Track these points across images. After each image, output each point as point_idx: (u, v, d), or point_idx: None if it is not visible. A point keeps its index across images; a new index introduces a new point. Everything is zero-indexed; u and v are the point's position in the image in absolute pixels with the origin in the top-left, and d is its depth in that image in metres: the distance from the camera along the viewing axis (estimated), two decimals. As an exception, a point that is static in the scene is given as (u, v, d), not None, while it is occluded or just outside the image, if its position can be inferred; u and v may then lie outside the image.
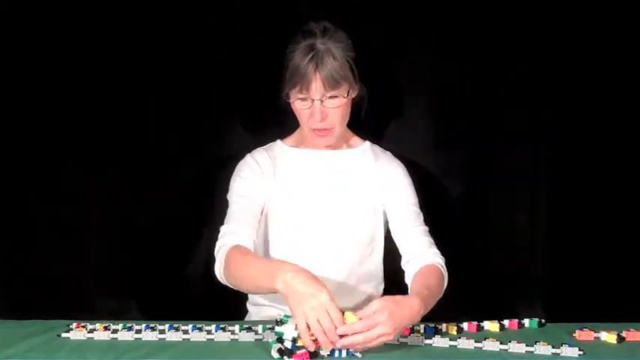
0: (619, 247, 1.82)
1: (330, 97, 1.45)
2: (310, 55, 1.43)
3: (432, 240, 1.53)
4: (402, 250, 1.54)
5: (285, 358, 1.15)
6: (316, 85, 1.43)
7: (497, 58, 1.80)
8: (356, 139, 1.64)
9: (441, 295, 1.44)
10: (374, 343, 1.18)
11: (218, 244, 1.45)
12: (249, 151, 1.62)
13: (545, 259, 1.84)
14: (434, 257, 1.48)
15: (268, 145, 1.64)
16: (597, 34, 1.77)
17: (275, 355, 1.16)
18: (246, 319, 1.61)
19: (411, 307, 1.24)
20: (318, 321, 1.15)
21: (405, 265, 1.51)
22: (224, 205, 1.55)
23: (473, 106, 1.82)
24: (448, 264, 1.50)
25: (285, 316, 1.21)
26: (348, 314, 1.17)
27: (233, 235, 1.44)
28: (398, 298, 1.24)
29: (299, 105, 1.48)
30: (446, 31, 1.79)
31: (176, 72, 1.80)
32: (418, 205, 1.58)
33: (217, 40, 1.79)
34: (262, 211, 1.53)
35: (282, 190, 1.55)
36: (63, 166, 1.82)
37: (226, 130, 1.82)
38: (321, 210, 1.53)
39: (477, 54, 1.80)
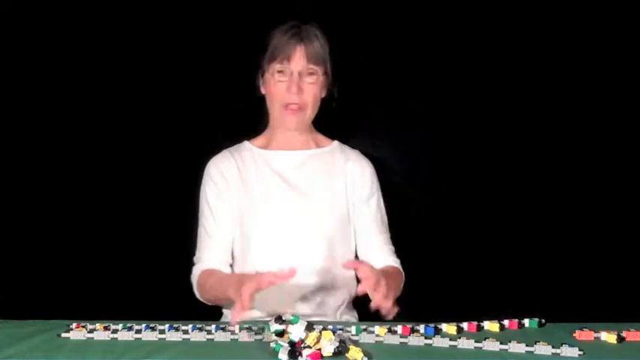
0: (619, 247, 1.82)
1: (309, 74, 1.50)
2: (294, 31, 1.49)
3: (392, 248, 1.59)
4: (360, 256, 1.58)
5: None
6: (299, 57, 1.49)
7: (472, 58, 1.81)
8: (324, 139, 1.66)
9: (399, 290, 1.51)
10: (379, 295, 1.24)
11: (192, 271, 1.55)
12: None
13: (545, 259, 1.84)
14: (393, 262, 1.56)
15: (235, 146, 1.64)
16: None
17: (284, 357, 1.14)
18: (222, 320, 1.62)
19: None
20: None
21: None
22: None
23: (459, 105, 1.84)
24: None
25: (295, 316, 1.20)
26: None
27: (199, 263, 1.55)
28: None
29: (277, 78, 1.51)
30: (420, 30, 1.81)
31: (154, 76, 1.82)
32: (384, 210, 1.61)
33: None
34: (234, 221, 1.56)
35: (254, 193, 1.55)
36: (63, 167, 1.82)
37: (221, 128, 1.83)
38: (294, 208, 1.54)
39: (452, 53, 1.82)
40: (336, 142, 1.66)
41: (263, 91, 1.58)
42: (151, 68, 1.82)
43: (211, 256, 1.54)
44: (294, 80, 1.49)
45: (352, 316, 1.62)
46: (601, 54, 1.81)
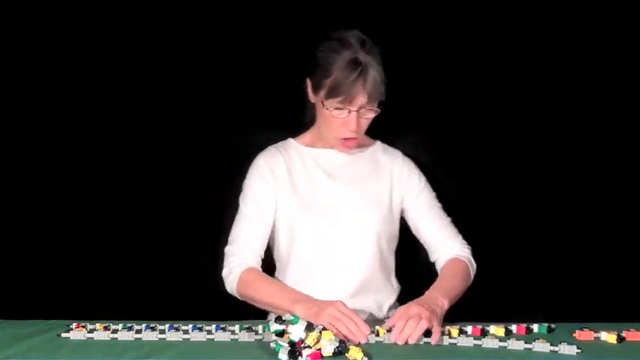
0: (619, 247, 1.82)
1: (367, 110, 1.48)
2: (358, 71, 1.44)
3: (456, 230, 1.60)
4: (429, 246, 1.60)
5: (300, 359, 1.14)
6: (360, 98, 1.45)
7: (494, 59, 1.81)
8: (367, 139, 1.65)
9: (466, 283, 1.52)
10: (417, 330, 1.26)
11: (227, 264, 1.51)
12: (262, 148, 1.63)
13: (546, 259, 1.84)
14: (459, 250, 1.57)
15: (280, 143, 1.64)
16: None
17: (284, 357, 1.14)
18: None
19: (428, 295, 1.38)
20: (340, 320, 1.27)
21: (435, 260, 1.59)
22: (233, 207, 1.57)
23: (459, 106, 1.84)
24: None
25: (295, 317, 1.21)
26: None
27: (239, 256, 1.50)
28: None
29: (335, 113, 1.49)
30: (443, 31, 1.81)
31: (190, 70, 1.83)
32: (437, 201, 1.63)
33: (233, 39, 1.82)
34: (275, 218, 1.56)
35: (302, 189, 1.56)
36: (63, 167, 1.82)
37: (238, 128, 1.83)
38: (341, 204, 1.55)
39: (475, 54, 1.82)
40: (378, 142, 1.67)
41: (313, 100, 1.55)
42: (171, 67, 1.81)
43: (252, 250, 1.52)
44: (352, 119, 1.47)
45: None
46: (601, 54, 1.81)
